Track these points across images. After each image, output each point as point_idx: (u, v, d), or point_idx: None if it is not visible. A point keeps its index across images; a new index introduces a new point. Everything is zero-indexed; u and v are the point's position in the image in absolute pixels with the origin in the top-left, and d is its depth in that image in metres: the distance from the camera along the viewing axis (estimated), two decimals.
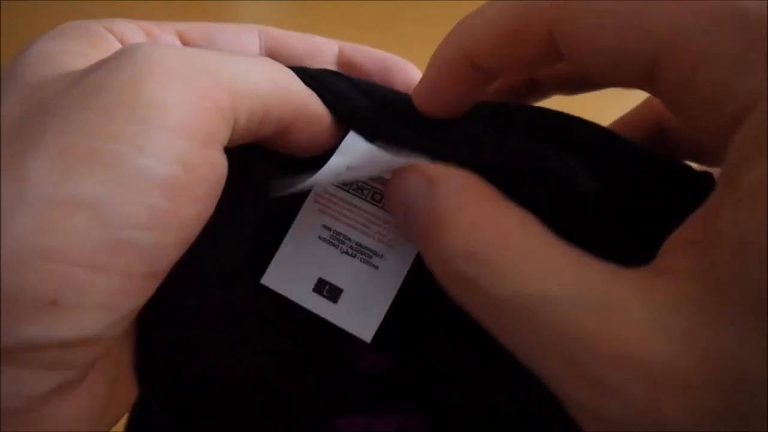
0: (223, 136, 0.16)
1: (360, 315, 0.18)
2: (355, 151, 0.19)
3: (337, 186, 0.20)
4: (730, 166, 0.13)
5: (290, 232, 0.19)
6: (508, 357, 0.18)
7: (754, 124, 0.12)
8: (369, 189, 0.20)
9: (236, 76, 0.17)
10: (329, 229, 0.19)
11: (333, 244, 0.19)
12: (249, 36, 0.21)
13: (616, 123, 0.24)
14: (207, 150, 0.16)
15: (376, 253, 0.19)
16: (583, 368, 0.13)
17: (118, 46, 0.19)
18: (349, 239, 0.19)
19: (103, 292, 0.14)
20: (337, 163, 0.18)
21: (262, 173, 0.19)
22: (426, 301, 0.19)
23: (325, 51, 0.22)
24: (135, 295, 0.15)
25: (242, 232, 0.19)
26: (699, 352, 0.12)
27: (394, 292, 0.19)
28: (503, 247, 0.14)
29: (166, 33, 0.20)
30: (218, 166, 0.16)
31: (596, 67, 0.15)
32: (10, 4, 0.71)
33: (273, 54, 0.22)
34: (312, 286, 0.19)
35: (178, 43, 0.21)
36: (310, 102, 0.19)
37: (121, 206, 0.14)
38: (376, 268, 0.19)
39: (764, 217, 0.11)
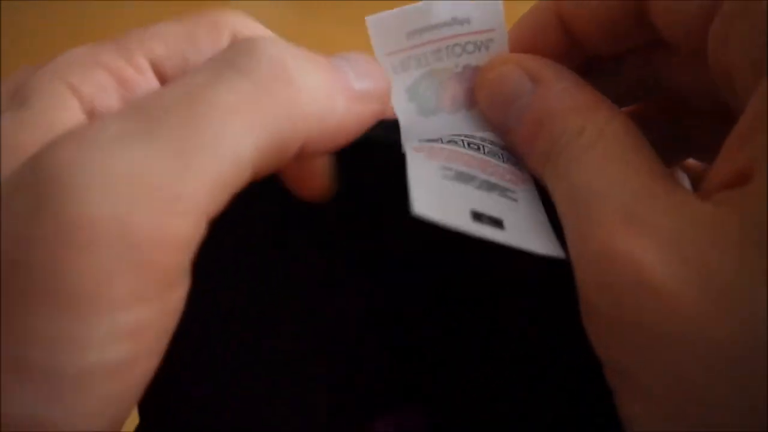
0: (188, 262, 0.13)
1: (537, 236, 0.16)
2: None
3: (426, 141, 0.18)
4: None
5: (410, 176, 0.16)
6: (508, 357, 0.18)
7: None
8: (460, 140, 0.18)
9: (204, 169, 0.12)
10: (450, 169, 0.17)
11: (463, 181, 0.17)
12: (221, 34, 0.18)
13: None
14: (165, 299, 0.13)
15: (507, 189, 0.17)
16: (597, 261, 0.13)
17: (79, 119, 0.15)
18: (476, 177, 0.17)
19: None
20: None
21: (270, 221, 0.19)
22: (426, 301, 0.19)
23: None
24: None
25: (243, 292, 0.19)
26: (704, 276, 0.12)
27: (546, 218, 0.17)
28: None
29: (142, 73, 0.17)
30: (181, 298, 0.13)
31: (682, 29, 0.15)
32: (10, 4, 0.71)
33: None
34: (469, 217, 0.15)
35: (155, 84, 0.17)
36: (325, 117, 0.15)
37: (66, 414, 0.12)
38: (516, 201, 0.17)
39: None
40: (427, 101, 0.19)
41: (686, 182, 0.21)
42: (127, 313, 0.12)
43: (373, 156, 0.18)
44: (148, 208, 0.12)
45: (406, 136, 0.19)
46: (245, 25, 0.18)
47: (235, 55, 0.14)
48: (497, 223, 0.16)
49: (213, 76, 0.13)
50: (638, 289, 0.13)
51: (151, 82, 0.17)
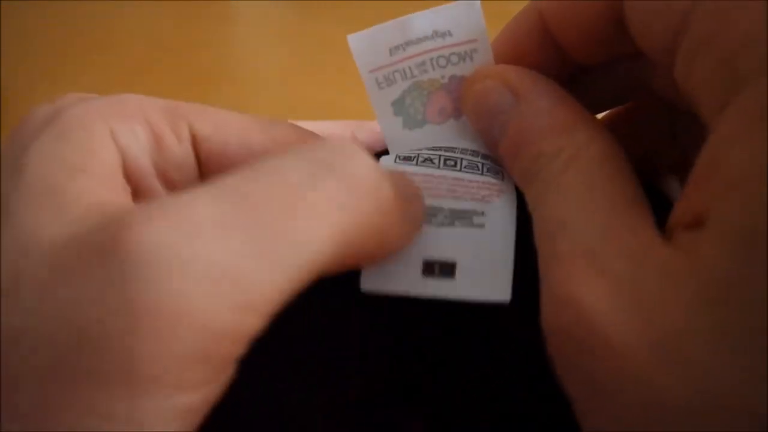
0: (244, 347, 0.13)
1: (487, 279, 0.16)
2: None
3: (401, 162, 0.18)
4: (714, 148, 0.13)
5: None
6: (509, 357, 0.18)
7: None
8: (438, 157, 0.18)
9: (288, 272, 0.13)
10: None
11: (425, 221, 0.17)
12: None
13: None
14: (218, 382, 0.13)
15: (475, 212, 0.17)
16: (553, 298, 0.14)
17: (115, 166, 0.15)
18: (441, 209, 0.17)
19: None
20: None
21: None
22: (427, 302, 0.19)
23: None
24: None
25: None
26: (654, 332, 0.12)
27: (513, 242, 0.16)
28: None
29: (181, 142, 0.17)
30: (229, 378, 0.14)
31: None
32: (10, 4, 0.71)
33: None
34: (420, 272, 0.16)
35: (190, 157, 0.17)
36: (390, 232, 0.15)
37: None
38: (482, 227, 0.17)
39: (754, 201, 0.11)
40: (414, 114, 0.19)
41: (676, 186, 0.20)
42: (185, 396, 0.12)
43: None
44: (227, 304, 0.12)
45: (391, 150, 0.19)
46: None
47: (334, 157, 0.14)
48: (448, 270, 0.16)
49: (312, 174, 0.13)
50: (589, 340, 0.12)
51: (187, 153, 0.17)
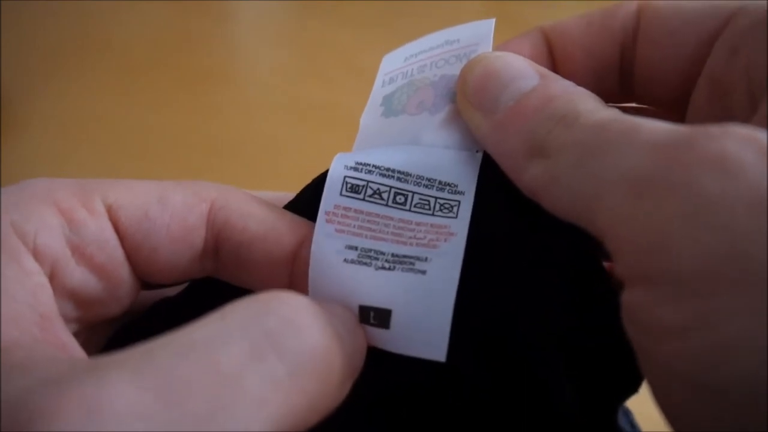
0: None
1: (422, 332, 0.15)
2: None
3: (348, 196, 0.17)
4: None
5: (311, 267, 0.16)
6: (512, 356, 0.17)
7: None
8: (388, 190, 0.17)
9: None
10: (355, 248, 0.16)
11: (364, 263, 0.16)
12: (192, 213, 0.17)
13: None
14: None
15: (418, 258, 0.16)
16: None
17: (29, 265, 0.15)
18: (382, 253, 0.16)
19: None
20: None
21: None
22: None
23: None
24: None
25: None
26: None
27: (453, 294, 0.15)
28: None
29: (95, 216, 0.16)
30: None
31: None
32: (10, 4, 0.71)
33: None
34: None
35: (108, 229, 0.16)
36: (335, 389, 0.14)
37: None
38: (424, 273, 0.16)
39: None
40: (396, 104, 0.19)
41: None
42: None
43: None
44: None
45: (360, 138, 0.19)
46: (228, 198, 0.17)
47: (280, 330, 0.13)
48: (383, 318, 0.15)
49: (252, 353, 0.12)
50: None
51: (103, 226, 0.16)
